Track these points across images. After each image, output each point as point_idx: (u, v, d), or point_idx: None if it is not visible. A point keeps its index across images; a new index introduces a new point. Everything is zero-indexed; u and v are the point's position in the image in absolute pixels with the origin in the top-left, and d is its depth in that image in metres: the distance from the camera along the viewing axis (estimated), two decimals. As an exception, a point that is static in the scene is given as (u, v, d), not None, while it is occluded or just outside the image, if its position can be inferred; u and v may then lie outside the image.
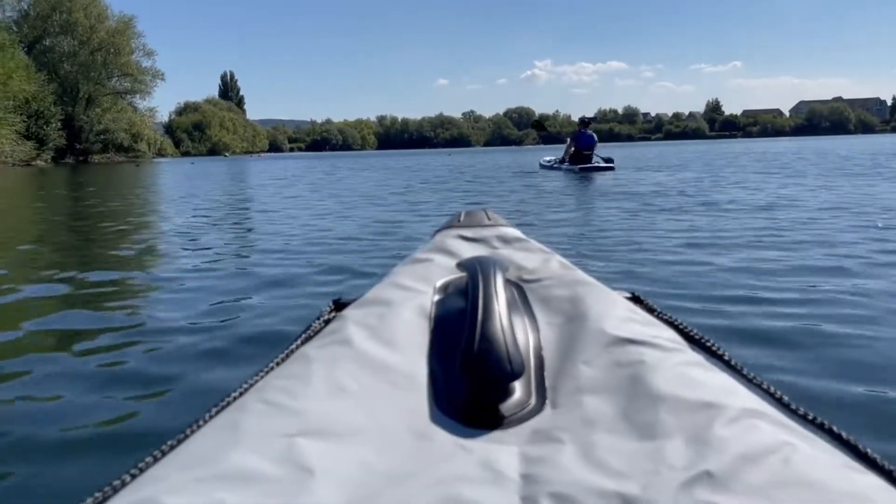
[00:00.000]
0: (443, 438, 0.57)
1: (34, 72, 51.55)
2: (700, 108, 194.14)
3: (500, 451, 0.55)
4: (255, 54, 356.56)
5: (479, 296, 0.68)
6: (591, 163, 15.08)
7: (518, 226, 1.07)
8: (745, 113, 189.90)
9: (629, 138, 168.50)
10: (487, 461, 0.53)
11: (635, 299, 0.89)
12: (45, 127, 49.97)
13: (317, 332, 0.78)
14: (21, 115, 45.82)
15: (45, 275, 4.14)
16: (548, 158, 17.61)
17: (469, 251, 0.96)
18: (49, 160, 51.53)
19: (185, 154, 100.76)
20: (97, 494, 0.52)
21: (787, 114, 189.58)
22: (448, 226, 1.07)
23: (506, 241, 1.00)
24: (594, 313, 0.74)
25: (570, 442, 0.55)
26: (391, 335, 0.71)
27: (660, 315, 0.84)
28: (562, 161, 15.99)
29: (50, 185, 18.91)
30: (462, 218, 1.08)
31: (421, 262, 0.92)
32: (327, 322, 0.81)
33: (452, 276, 0.85)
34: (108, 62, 62.32)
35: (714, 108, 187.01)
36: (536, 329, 0.74)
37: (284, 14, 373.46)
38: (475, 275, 0.73)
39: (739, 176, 11.92)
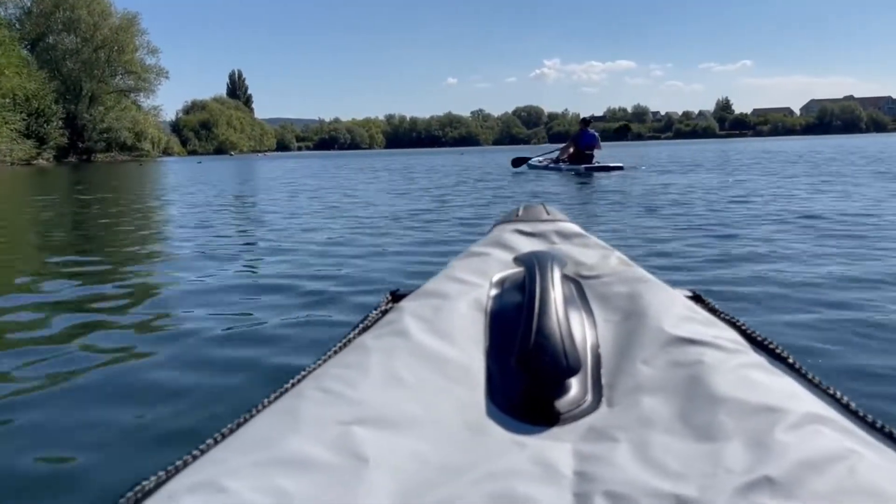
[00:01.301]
0: (497, 433, 0.57)
1: (35, 69, 50.71)
2: (709, 106, 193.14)
3: (555, 447, 0.54)
4: (264, 53, 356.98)
5: (536, 291, 0.67)
6: (592, 163, 13.92)
7: (578, 221, 1.06)
8: (756, 112, 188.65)
9: (639, 137, 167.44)
10: (541, 457, 0.53)
11: (697, 298, 0.88)
12: (45, 125, 48.81)
13: (374, 323, 0.79)
14: (21, 113, 44.73)
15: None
16: (537, 158, 16.15)
17: (527, 246, 0.95)
18: (51, 159, 50.54)
19: (192, 153, 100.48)
20: (160, 473, 0.53)
21: (798, 112, 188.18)
22: (506, 220, 1.06)
23: (564, 236, 0.99)
24: (653, 311, 0.73)
25: (625, 441, 0.54)
26: (447, 328, 0.71)
27: (722, 315, 0.82)
28: (556, 161, 14.77)
29: (41, 185, 18.06)
30: (521, 212, 1.08)
31: (478, 255, 0.92)
32: (384, 313, 0.82)
33: (509, 271, 0.85)
34: (112, 60, 61.28)
35: (724, 106, 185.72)
36: (594, 326, 0.73)
37: (293, 13, 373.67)
38: (532, 269, 0.72)
39: (773, 179, 10.89)
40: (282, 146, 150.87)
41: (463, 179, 13.41)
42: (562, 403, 0.60)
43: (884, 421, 0.60)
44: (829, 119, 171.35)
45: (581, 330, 0.71)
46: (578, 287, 0.82)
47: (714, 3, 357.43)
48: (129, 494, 0.51)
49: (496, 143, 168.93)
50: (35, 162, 45.97)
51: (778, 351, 0.74)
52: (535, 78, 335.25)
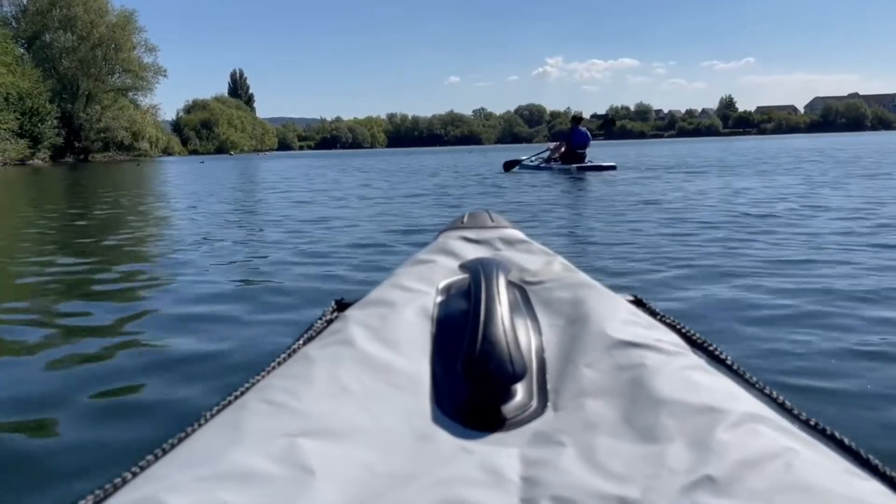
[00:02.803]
0: (444, 440, 0.57)
1: (31, 67, 49.77)
2: (712, 104, 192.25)
3: (501, 453, 0.55)
4: (266, 52, 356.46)
5: (482, 297, 0.68)
6: (584, 162, 13.46)
7: (522, 228, 1.07)
8: (759, 109, 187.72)
9: (641, 135, 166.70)
10: (488, 463, 0.53)
11: (638, 302, 0.89)
12: (39, 125, 47.76)
13: (319, 332, 0.78)
14: (14, 112, 43.76)
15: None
16: (529, 158, 15.72)
17: (472, 252, 0.95)
18: (47, 159, 49.75)
19: (193, 152, 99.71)
20: (97, 492, 0.52)
21: (802, 110, 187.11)
22: (451, 227, 1.06)
23: (509, 242, 1.00)
24: (596, 316, 0.74)
25: (571, 445, 0.55)
26: (393, 336, 0.71)
27: (662, 318, 0.83)
28: (548, 160, 14.39)
29: (22, 187, 17.40)
30: (465, 219, 1.08)
31: (423, 262, 0.92)
32: (329, 322, 0.82)
33: (455, 278, 0.85)
34: (109, 58, 60.52)
35: (728, 104, 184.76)
36: (539, 331, 0.74)
37: (295, 12, 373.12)
38: (478, 276, 0.73)
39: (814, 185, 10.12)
40: (283, 145, 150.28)
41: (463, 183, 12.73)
42: (508, 409, 0.61)
43: (818, 419, 0.61)
44: (833, 117, 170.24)
45: (526, 335, 0.71)
46: (523, 293, 0.82)
47: (717, 1, 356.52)
48: None
49: (498, 141, 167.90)
50: (30, 162, 45.12)
51: (717, 353, 0.75)
52: (537, 76, 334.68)
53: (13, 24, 57.28)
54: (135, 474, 0.54)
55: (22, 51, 55.32)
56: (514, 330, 0.64)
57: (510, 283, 0.78)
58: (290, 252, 4.52)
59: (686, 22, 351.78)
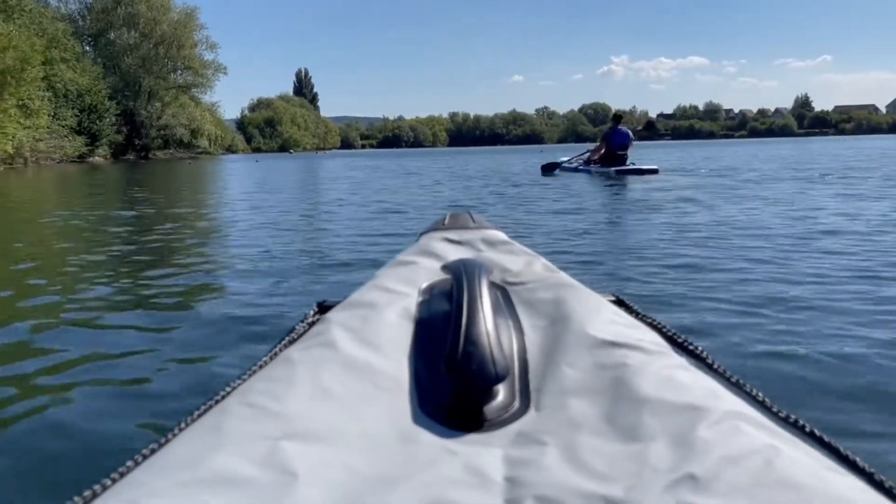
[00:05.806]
0: (427, 441, 0.57)
1: (91, 64, 49.57)
2: (785, 103, 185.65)
3: (485, 453, 0.55)
4: (332, 52, 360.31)
5: (464, 298, 0.68)
6: (624, 164, 12.13)
7: (503, 229, 1.07)
8: (837, 109, 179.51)
9: (711, 136, 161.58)
10: (472, 464, 0.53)
11: (619, 302, 0.89)
12: (97, 122, 47.22)
13: (301, 335, 0.78)
14: (73, 108, 43.46)
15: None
16: (564, 158, 14.59)
17: (454, 254, 0.95)
18: (108, 156, 49.63)
19: (256, 150, 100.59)
20: (76, 499, 0.51)
21: (884, 110, 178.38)
22: (433, 228, 1.07)
23: (490, 243, 1.00)
24: (578, 316, 0.74)
25: (554, 444, 0.55)
26: (375, 338, 0.71)
27: (643, 318, 0.83)
28: (587, 162, 13.15)
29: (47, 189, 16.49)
30: (447, 220, 1.08)
31: (405, 264, 0.92)
32: (311, 325, 0.81)
33: (437, 279, 0.85)
34: (171, 55, 60.56)
35: (803, 103, 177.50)
36: (521, 332, 0.74)
37: (361, 12, 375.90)
38: (460, 277, 0.72)
39: None
40: (346, 144, 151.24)
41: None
42: (491, 409, 0.60)
43: (797, 416, 0.62)
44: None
45: (508, 336, 0.71)
46: (505, 294, 0.82)
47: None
48: None
49: (560, 141, 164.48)
50: (90, 159, 44.91)
51: (698, 352, 0.75)
52: (602, 75, 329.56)
53: (79, 21, 57.71)
54: (114, 480, 0.53)
55: (87, 48, 55.68)
56: (496, 331, 0.64)
57: (492, 284, 0.78)
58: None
59: (758, 19, 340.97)
